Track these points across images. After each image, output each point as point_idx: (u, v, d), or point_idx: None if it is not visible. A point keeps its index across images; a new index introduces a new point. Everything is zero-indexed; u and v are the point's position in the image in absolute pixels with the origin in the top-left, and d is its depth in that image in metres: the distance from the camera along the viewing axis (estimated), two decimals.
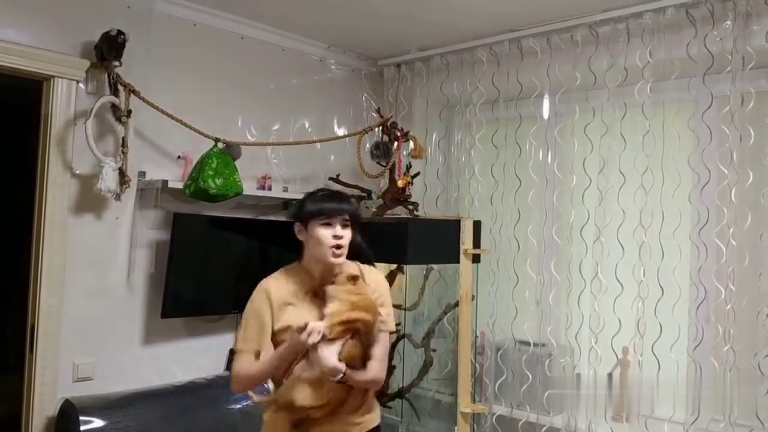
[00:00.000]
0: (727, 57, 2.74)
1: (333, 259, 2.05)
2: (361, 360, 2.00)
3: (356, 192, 3.64)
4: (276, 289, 2.10)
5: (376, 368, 2.04)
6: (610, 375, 3.10)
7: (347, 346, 1.96)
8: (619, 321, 2.98)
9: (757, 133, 2.71)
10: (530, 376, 3.24)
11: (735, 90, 2.74)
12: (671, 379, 2.89)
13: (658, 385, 2.91)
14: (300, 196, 3.46)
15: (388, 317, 2.14)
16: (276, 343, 2.05)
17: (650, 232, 2.92)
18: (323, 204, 2.08)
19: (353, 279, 2.02)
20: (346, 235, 2.07)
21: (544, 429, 3.20)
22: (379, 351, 2.06)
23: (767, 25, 2.68)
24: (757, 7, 2.69)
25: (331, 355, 1.92)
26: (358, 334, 1.97)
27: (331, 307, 1.95)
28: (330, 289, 2.00)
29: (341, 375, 1.93)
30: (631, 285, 2.97)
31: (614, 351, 3.05)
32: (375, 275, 2.19)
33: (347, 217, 2.08)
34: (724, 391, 2.71)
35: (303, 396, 1.94)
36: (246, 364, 2.04)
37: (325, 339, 1.91)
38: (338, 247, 2.05)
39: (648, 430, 2.95)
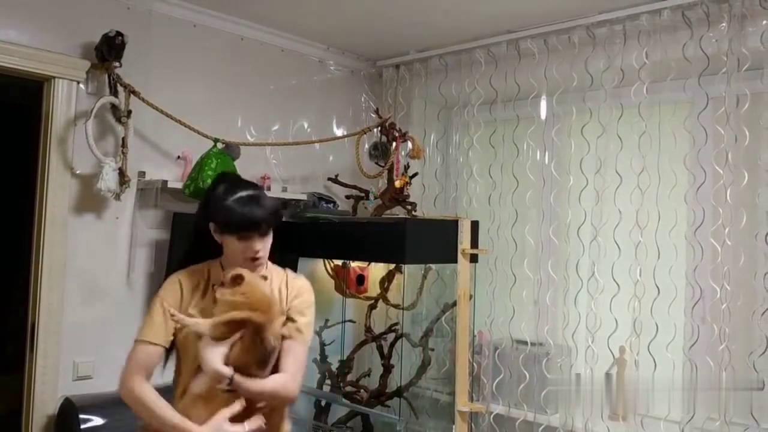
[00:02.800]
0: (722, 58, 2.76)
1: (252, 270, 1.90)
2: (259, 367, 1.78)
3: (355, 192, 3.66)
4: (187, 281, 1.95)
5: (280, 380, 1.81)
6: (606, 374, 3.12)
7: (235, 348, 1.75)
8: (616, 320, 3.00)
9: (752, 134, 2.72)
10: (528, 376, 3.25)
11: (730, 91, 2.75)
12: (667, 378, 2.90)
13: (654, 384, 2.92)
14: (297, 196, 3.54)
15: (304, 327, 1.91)
16: (178, 341, 1.89)
17: (646, 232, 2.94)
18: (236, 215, 1.85)
19: (236, 280, 1.80)
20: (265, 245, 1.91)
21: (542, 428, 3.21)
22: (290, 363, 1.84)
23: (762, 27, 2.69)
24: (752, 8, 2.70)
25: (215, 357, 1.72)
26: (250, 335, 1.77)
27: (215, 313, 1.79)
28: (217, 293, 1.82)
29: (227, 381, 1.72)
30: (627, 285, 2.98)
31: (611, 350, 3.07)
32: (299, 282, 2.02)
33: (269, 228, 1.91)
34: (720, 390, 2.73)
35: (197, 414, 1.75)
36: (138, 375, 1.83)
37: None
38: (255, 259, 1.90)
39: (644, 428, 2.96)
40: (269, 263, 2.04)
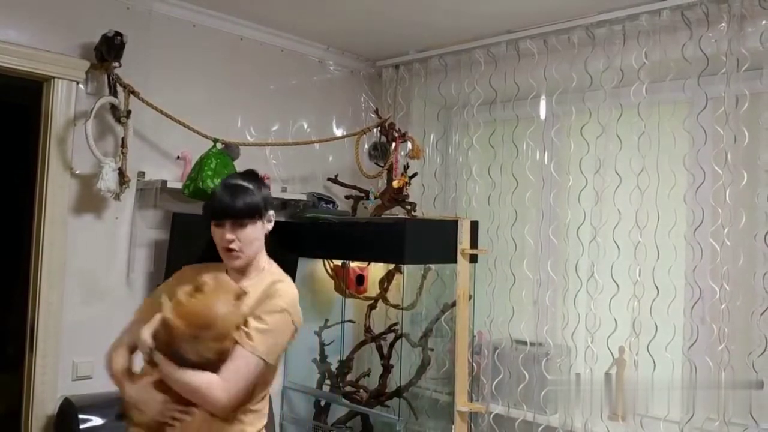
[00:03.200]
0: (721, 58, 2.76)
1: (228, 262, 1.87)
2: (173, 358, 1.71)
3: (355, 192, 3.66)
4: (190, 276, 1.91)
5: (206, 379, 1.69)
6: (606, 374, 3.12)
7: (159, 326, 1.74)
8: (615, 320, 3.00)
9: (751, 135, 2.72)
10: (527, 376, 3.26)
11: (729, 91, 2.75)
12: (666, 379, 2.91)
13: (654, 384, 2.93)
14: (296, 197, 3.55)
15: (255, 333, 1.74)
16: None
17: (646, 232, 2.94)
18: (213, 200, 1.87)
19: (197, 287, 1.74)
20: (242, 236, 1.84)
21: (541, 428, 3.21)
22: (227, 369, 1.71)
23: (761, 27, 2.69)
24: (752, 9, 2.70)
25: (147, 327, 1.74)
26: (165, 332, 1.71)
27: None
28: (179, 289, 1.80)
29: (148, 350, 1.71)
30: (626, 285, 2.98)
31: (610, 350, 3.07)
32: (279, 286, 1.86)
33: (243, 216, 1.84)
34: (719, 390, 2.73)
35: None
36: (120, 344, 1.91)
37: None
38: (229, 250, 1.84)
39: (643, 429, 2.96)
40: (274, 268, 1.97)
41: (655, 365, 2.89)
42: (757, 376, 2.65)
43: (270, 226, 1.95)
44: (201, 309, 1.70)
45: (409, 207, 3.57)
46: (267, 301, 1.81)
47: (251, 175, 1.98)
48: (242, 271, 1.92)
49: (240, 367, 1.72)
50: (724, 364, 2.71)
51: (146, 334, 1.73)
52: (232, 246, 1.84)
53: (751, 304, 2.70)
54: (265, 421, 1.92)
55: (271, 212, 1.95)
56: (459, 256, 3.20)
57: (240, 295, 1.76)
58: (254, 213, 1.87)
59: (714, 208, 2.79)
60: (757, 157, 2.73)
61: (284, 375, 3.67)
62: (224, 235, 1.84)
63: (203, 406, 1.73)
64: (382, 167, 3.51)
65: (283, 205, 3.59)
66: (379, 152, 3.57)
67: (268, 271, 1.95)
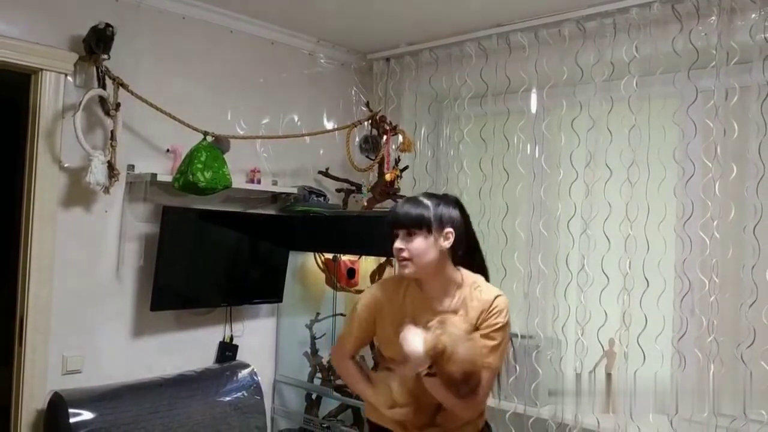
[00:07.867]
0: (711, 52, 2.77)
1: (400, 271, 2.00)
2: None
3: (346, 186, 3.66)
4: (384, 292, 2.10)
5: (468, 405, 1.96)
6: (596, 366, 3.14)
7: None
8: (605, 313, 3.02)
9: (741, 128, 2.74)
10: (517, 368, 3.27)
11: (719, 85, 2.76)
12: (656, 370, 2.93)
13: (644, 376, 2.94)
14: (287, 190, 3.55)
15: (490, 351, 1.94)
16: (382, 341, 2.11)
17: (636, 225, 2.95)
18: (391, 212, 2.05)
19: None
20: (409, 245, 1.96)
21: (531, 420, 3.23)
22: (479, 391, 1.95)
23: (751, 21, 2.70)
24: (741, 2, 2.71)
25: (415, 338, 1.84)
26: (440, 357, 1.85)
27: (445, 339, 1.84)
28: (445, 318, 1.91)
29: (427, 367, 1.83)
30: (616, 277, 3.00)
31: (600, 343, 3.09)
32: (498, 302, 2.02)
33: (410, 226, 1.96)
34: (708, 382, 2.75)
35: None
36: (345, 355, 2.17)
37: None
38: (400, 258, 1.97)
39: (633, 420, 2.98)
40: (471, 278, 2.07)
41: (644, 357, 2.91)
42: (746, 368, 2.67)
43: (446, 244, 2.00)
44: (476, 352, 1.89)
45: (400, 200, 3.56)
46: (490, 319, 1.98)
47: (438, 194, 2.09)
48: (444, 291, 2.03)
49: (486, 385, 1.95)
50: (713, 355, 2.73)
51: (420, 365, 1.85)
52: (402, 255, 1.96)
53: (740, 296, 2.72)
54: None
55: (449, 230, 2.00)
56: None
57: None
58: (421, 224, 1.95)
59: (703, 201, 2.81)
60: (747, 150, 2.74)
61: (275, 368, 3.67)
62: (395, 244, 1.98)
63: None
64: (373, 160, 3.50)
65: (274, 198, 3.58)
66: (370, 145, 3.57)
67: (468, 284, 2.05)
